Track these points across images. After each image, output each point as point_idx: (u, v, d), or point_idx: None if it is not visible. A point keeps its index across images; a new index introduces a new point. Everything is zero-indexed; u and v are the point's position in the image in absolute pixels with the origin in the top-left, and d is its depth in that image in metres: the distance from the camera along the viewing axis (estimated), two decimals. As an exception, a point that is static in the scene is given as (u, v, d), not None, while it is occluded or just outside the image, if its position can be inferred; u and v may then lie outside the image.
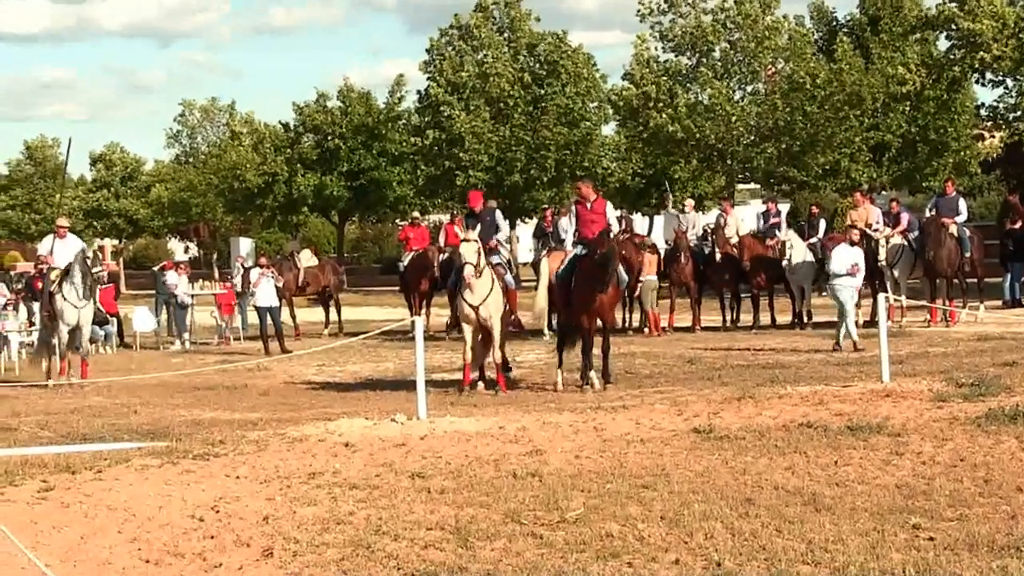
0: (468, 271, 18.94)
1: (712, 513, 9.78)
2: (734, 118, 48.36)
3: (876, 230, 28.66)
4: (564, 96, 55.18)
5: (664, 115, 48.42)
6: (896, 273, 28.42)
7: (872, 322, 25.20)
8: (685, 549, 8.86)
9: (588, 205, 19.60)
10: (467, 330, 19.50)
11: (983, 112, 49.06)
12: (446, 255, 32.01)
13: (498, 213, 22.06)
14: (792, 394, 16.51)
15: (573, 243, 19.50)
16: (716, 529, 9.32)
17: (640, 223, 47.87)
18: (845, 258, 23.28)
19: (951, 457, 11.78)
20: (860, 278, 23.62)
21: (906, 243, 28.54)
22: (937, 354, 21.26)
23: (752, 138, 50.25)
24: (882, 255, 28.20)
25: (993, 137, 50.48)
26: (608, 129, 58.85)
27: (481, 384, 19.76)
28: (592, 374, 19.02)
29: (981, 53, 42.58)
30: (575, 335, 19.53)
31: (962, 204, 30.25)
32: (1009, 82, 45.06)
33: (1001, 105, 47.05)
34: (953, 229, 28.76)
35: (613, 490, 10.80)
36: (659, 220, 50.89)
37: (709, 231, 31.18)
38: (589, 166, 55.08)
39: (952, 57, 46.02)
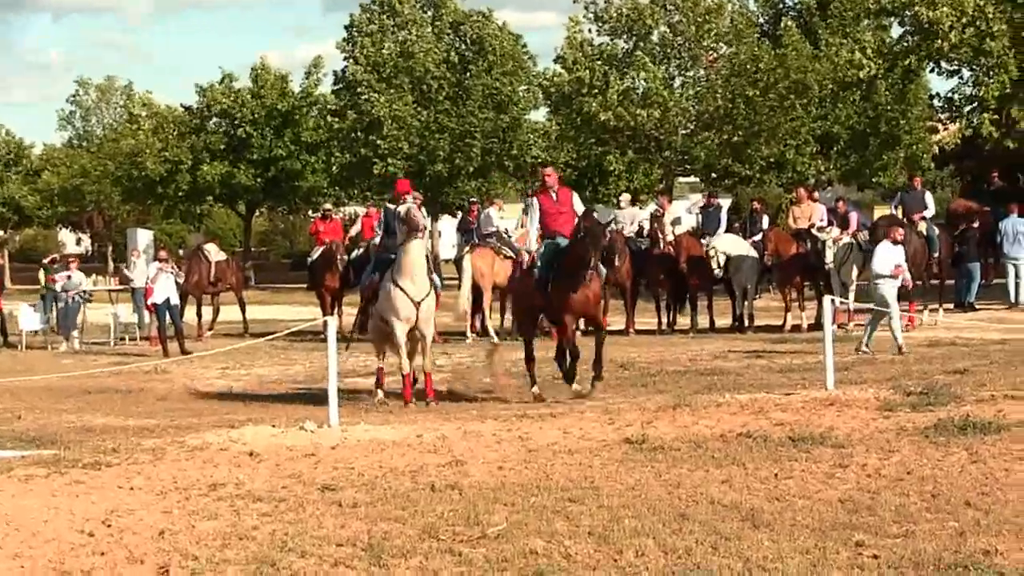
0: (415, 211, 17.99)
1: (643, 529, 9.83)
2: (671, 105, 48.55)
3: (820, 229, 28.94)
4: (491, 78, 55.19)
5: (597, 102, 48.54)
6: (843, 275, 28.66)
7: (817, 326, 25.42)
8: (614, 567, 8.90)
9: (553, 195, 18.86)
10: (400, 329, 18.35)
11: (937, 103, 49.53)
12: (361, 250, 31.99)
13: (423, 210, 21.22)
14: (731, 402, 16.62)
15: (539, 239, 18.72)
16: (648, 546, 9.37)
17: (571, 218, 47.95)
18: (888, 258, 23.13)
19: (897, 470, 11.91)
20: (900, 280, 23.34)
21: (855, 243, 28.80)
22: (885, 361, 21.49)
23: (691, 127, 50.48)
24: (829, 256, 28.45)
25: (947, 129, 50.97)
26: (538, 115, 58.99)
27: (381, 393, 18.96)
28: (576, 386, 18.55)
29: (938, 41, 42.99)
30: (570, 349, 18.77)
31: (929, 199, 30.68)
32: (965, 72, 45.53)
33: (956, 96, 47.52)
34: (922, 227, 29.09)
35: (538, 504, 10.84)
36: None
37: (647, 227, 31.30)
38: (518, 154, 55.16)
39: (906, 45, 46.43)
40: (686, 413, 15.74)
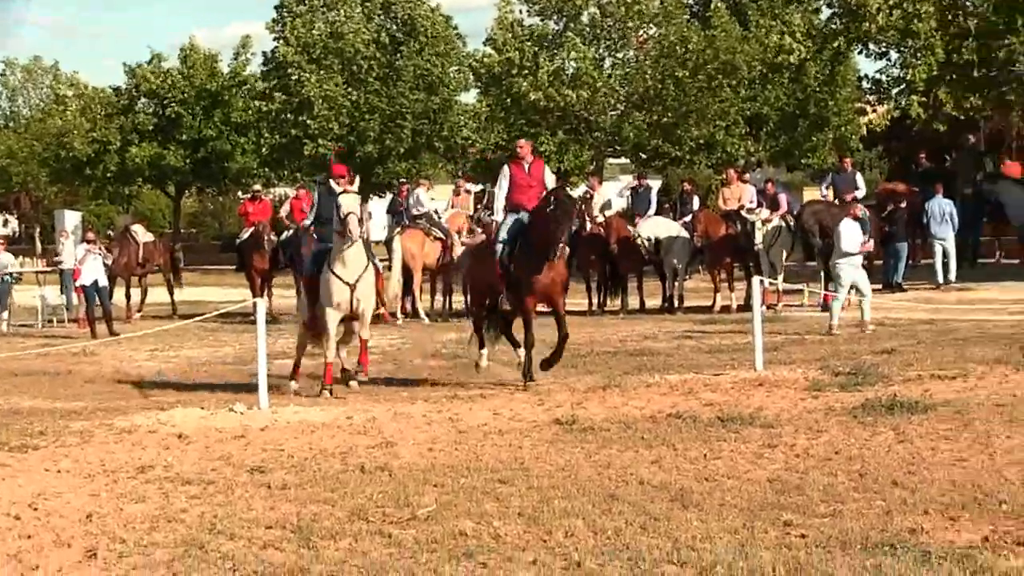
0: (353, 222, 16.92)
1: (573, 510, 9.84)
2: (601, 86, 48.63)
3: (750, 210, 29.08)
4: (422, 59, 55.05)
5: (528, 82, 48.54)
6: (772, 256, 28.81)
7: (746, 307, 25.55)
8: (544, 548, 8.90)
9: (525, 167, 17.99)
10: (332, 316, 17.42)
11: (866, 85, 49.82)
12: (290, 231, 31.88)
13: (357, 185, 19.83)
14: (661, 383, 16.73)
15: (505, 210, 17.97)
16: (577, 527, 9.38)
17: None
18: (854, 235, 23.13)
19: (825, 450, 11.99)
20: (862, 258, 23.39)
21: (784, 225, 28.96)
22: (814, 341, 21.61)
23: (621, 108, 50.60)
24: (758, 237, 28.58)
25: (875, 111, 51.31)
26: (469, 97, 58.90)
27: (294, 383, 18.01)
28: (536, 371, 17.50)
29: (866, 24, 43.23)
30: (498, 321, 18.42)
31: (860, 180, 30.91)
32: (893, 54, 45.80)
33: (885, 78, 47.81)
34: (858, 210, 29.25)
35: (468, 485, 10.84)
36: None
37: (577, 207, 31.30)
38: (448, 136, 55.08)
39: (835, 27, 46.65)
40: (616, 394, 15.83)
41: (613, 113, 50.81)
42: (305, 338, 18.52)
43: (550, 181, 18.12)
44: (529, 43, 50.37)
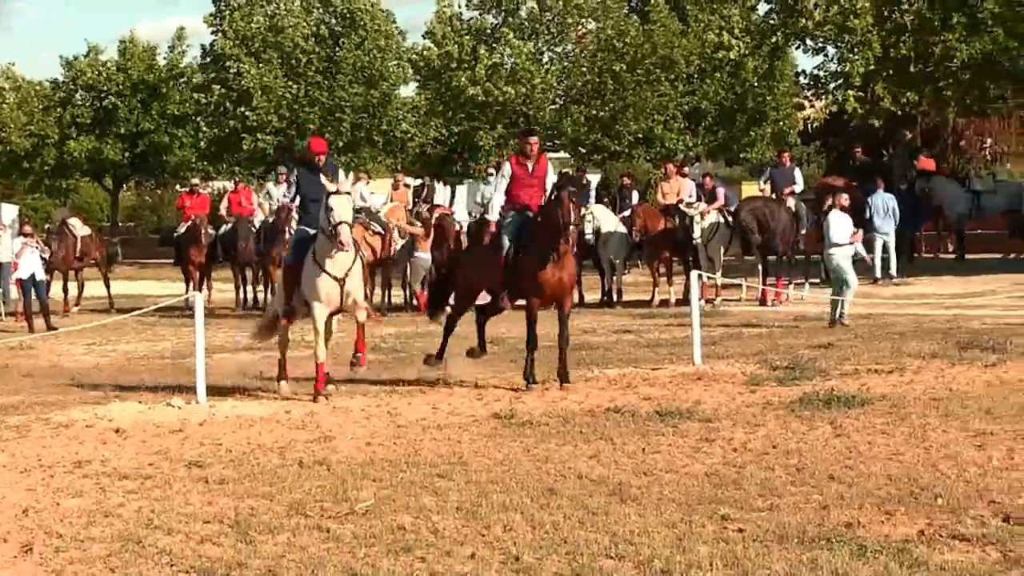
0: (345, 233, 15.54)
1: (511, 504, 9.85)
2: (539, 81, 48.67)
3: (689, 204, 29.18)
4: (362, 53, 54.88)
5: (466, 77, 48.54)
6: (710, 250, 28.92)
7: (684, 301, 25.63)
8: (482, 542, 8.90)
9: (529, 165, 16.76)
10: (320, 312, 16.03)
11: (803, 80, 50.09)
12: (229, 225, 31.77)
13: (341, 171, 17.04)
14: (599, 377, 16.78)
15: (502, 208, 16.88)
16: (515, 521, 9.39)
17: (442, 193, 47.93)
18: (843, 226, 23.13)
19: (763, 444, 12.06)
20: (855, 248, 23.22)
21: (722, 219, 29.08)
22: (752, 335, 21.71)
23: (560, 103, 50.66)
24: (697, 232, 28.70)
25: (813, 106, 51.61)
26: (408, 90, 58.79)
27: (284, 385, 16.61)
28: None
29: (803, 20, 43.45)
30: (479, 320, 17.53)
31: (798, 174, 31.01)
32: (831, 49, 46.06)
33: (822, 73, 48.06)
34: (791, 203, 29.42)
35: (406, 480, 10.84)
36: (462, 190, 51.03)
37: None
38: (387, 129, 54.93)
39: (773, 23, 46.88)
40: (554, 388, 15.84)
41: (552, 108, 50.86)
42: (287, 333, 17.35)
43: (552, 178, 17.02)
44: (468, 37, 50.35)
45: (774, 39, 46.34)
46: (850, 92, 43.90)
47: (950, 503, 9.53)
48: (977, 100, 43.10)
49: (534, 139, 17.13)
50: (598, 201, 32.86)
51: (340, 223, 15.52)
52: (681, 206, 29.42)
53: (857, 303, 23.69)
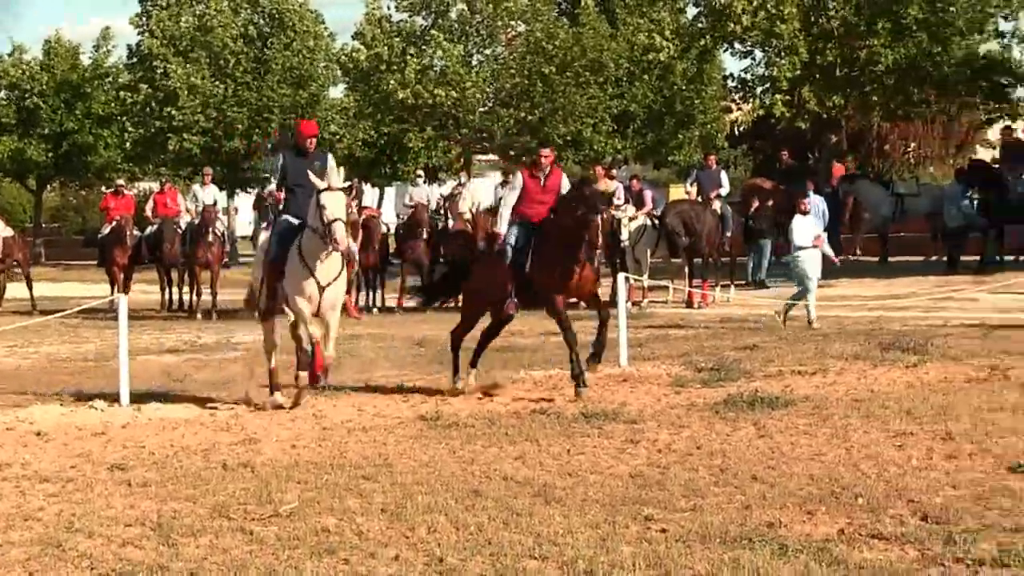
0: (339, 231, 14.62)
1: (436, 506, 9.86)
2: (469, 83, 48.71)
3: (616, 207, 29.25)
4: (291, 53, 54.68)
5: (396, 79, 48.49)
6: (637, 253, 29.04)
7: (611, 303, 25.68)
8: (406, 544, 8.90)
9: (542, 179, 16.00)
10: (304, 306, 15.02)
11: (731, 83, 50.33)
12: (155, 226, 31.60)
13: (331, 160, 15.99)
14: (525, 379, 16.82)
15: (508, 223, 16.02)
16: (440, 522, 9.39)
17: (370, 195, 47.83)
18: (807, 229, 23.15)
19: (687, 445, 12.12)
20: (820, 251, 23.23)
21: (649, 222, 29.22)
22: (678, 337, 21.81)
23: (489, 105, 50.70)
24: (624, 234, 28.81)
25: (740, 109, 51.88)
26: (337, 92, 58.63)
27: (279, 396, 15.53)
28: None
29: (731, 24, 43.68)
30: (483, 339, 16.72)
31: (724, 177, 31.21)
32: (758, 53, 46.30)
33: (750, 76, 48.33)
34: (716, 205, 29.58)
35: (331, 482, 10.82)
36: (390, 192, 51.00)
37: (442, 204, 31.37)
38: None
39: (701, 26, 47.09)
40: (477, 391, 15.87)
41: (481, 110, 50.88)
42: (272, 335, 16.20)
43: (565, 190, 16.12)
44: (398, 39, 50.30)
45: (702, 42, 46.52)
46: (777, 96, 44.12)
47: (870, 502, 9.62)
48: (901, 104, 43.48)
49: (547, 151, 16.50)
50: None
51: (335, 220, 14.53)
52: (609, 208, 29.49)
53: (779, 305, 23.86)
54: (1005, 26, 41.74)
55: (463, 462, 11.61)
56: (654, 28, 49.07)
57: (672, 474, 10.85)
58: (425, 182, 37.88)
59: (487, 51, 51.72)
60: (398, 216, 34.41)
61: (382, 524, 9.41)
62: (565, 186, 16.13)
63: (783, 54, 42.83)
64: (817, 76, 42.48)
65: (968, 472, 10.62)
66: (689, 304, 27.93)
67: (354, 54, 51.61)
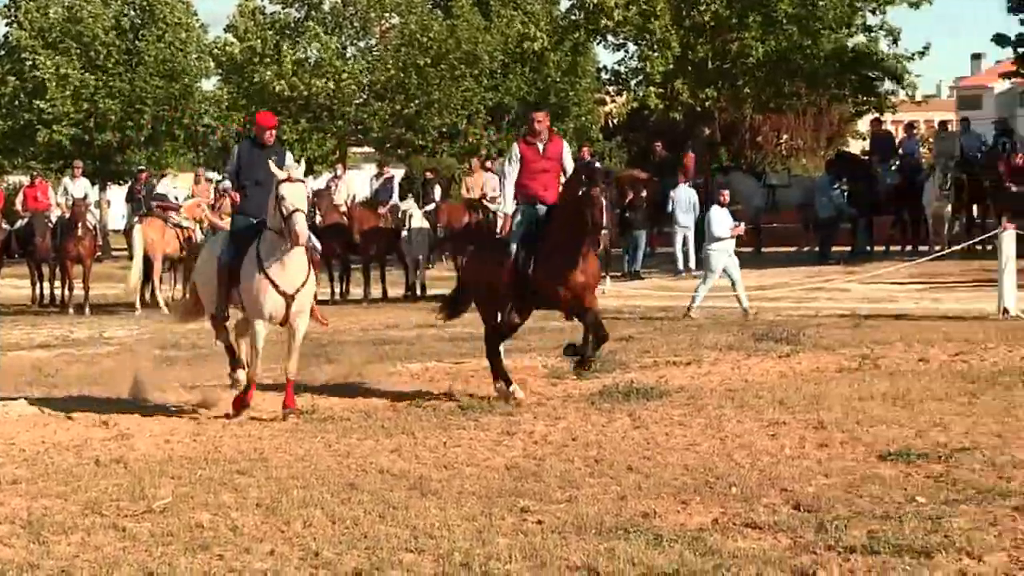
0: (300, 223, 13.34)
1: (312, 500, 9.81)
2: (344, 75, 48.54)
3: (492, 199, 29.29)
4: (163, 45, 54.09)
5: (270, 71, 48.20)
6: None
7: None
8: (281, 539, 8.84)
9: (540, 146, 14.62)
10: (261, 330, 13.89)
11: (605, 76, 50.56)
12: (25, 220, 31.14)
13: (290, 156, 14.96)
14: (402, 372, 16.77)
15: (514, 200, 14.75)
16: (316, 516, 9.34)
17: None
18: (724, 220, 23.13)
19: (563, 436, 12.16)
20: (733, 243, 23.22)
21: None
22: (554, 329, 21.78)
23: (364, 97, 50.55)
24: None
25: (614, 102, 52.15)
26: (209, 84, 58.12)
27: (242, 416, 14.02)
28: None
29: (604, 19, 43.87)
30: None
31: (599, 169, 31.20)
32: (631, 46, 46.54)
33: (624, 69, 48.57)
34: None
35: (205, 477, 10.73)
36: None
37: (312, 198, 31.25)
38: (189, 124, 54.24)
39: (575, 19, 47.26)
40: (357, 383, 15.80)
41: (356, 102, 50.71)
42: (224, 329, 14.96)
43: (569, 163, 14.82)
44: (272, 31, 49.97)
45: (576, 35, 46.68)
46: (651, 88, 44.39)
47: (744, 492, 9.71)
48: (772, 97, 43.89)
49: (541, 113, 15.08)
50: (401, 195, 32.82)
51: (295, 211, 13.29)
52: (484, 201, 29.53)
53: (657, 296, 24.04)
54: (873, 20, 42.32)
55: (339, 456, 11.57)
56: (528, 20, 49.16)
57: (548, 466, 10.88)
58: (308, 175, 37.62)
59: (361, 43, 51.57)
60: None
61: (257, 519, 9.35)
62: (568, 156, 14.86)
63: (656, 48, 43.08)
64: (690, 69, 42.78)
65: (839, 460, 10.76)
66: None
67: (227, 47, 51.19)
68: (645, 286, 29.60)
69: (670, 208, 33.04)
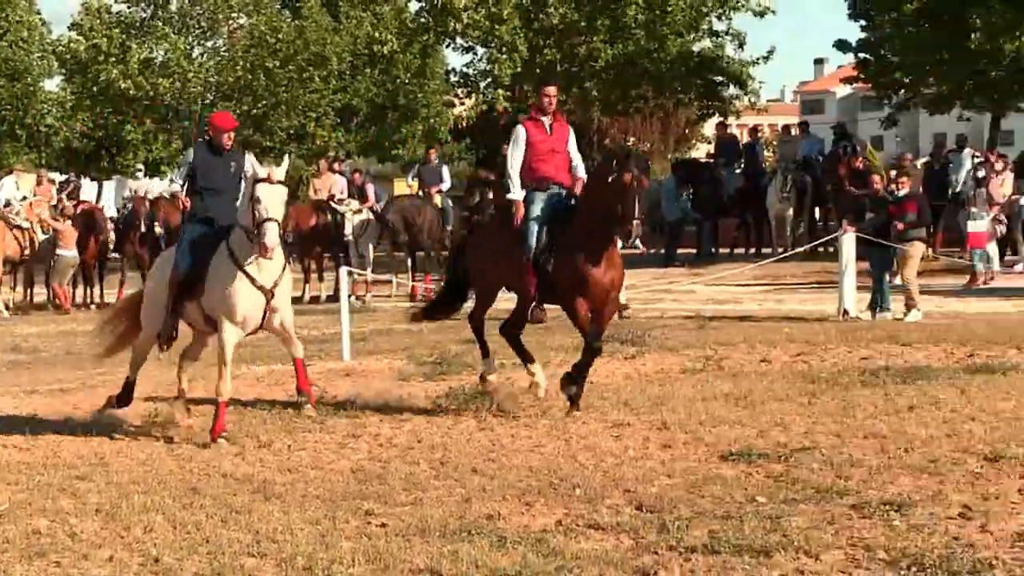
0: (271, 234, 12.21)
1: (153, 505, 9.68)
2: (191, 75, 48.09)
3: (340, 201, 29.20)
4: (5, 44, 53.18)
5: (116, 70, 47.59)
6: (361, 247, 28.99)
7: (335, 297, 25.60)
8: (121, 544, 8.71)
9: (547, 125, 13.62)
10: (232, 335, 12.60)
11: (454, 78, 50.62)
12: None
13: (250, 158, 13.07)
14: (247, 374, 16.63)
15: (522, 185, 13.56)
16: (157, 522, 9.22)
17: (88, 189, 46.75)
18: None
19: (409, 439, 12.14)
20: None
21: (372, 216, 29.20)
22: (401, 331, 21.77)
23: (212, 98, 50.10)
24: (348, 228, 28.75)
25: (463, 104, 52.19)
26: (52, 84, 57.22)
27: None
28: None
29: (453, 22, 43.93)
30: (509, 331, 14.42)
31: (445, 172, 31.27)
32: (480, 49, 46.65)
33: (472, 72, 48.67)
34: (438, 200, 29.64)
35: (44, 482, 10.55)
36: (109, 185, 49.94)
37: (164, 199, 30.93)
38: (31, 123, 53.36)
39: (424, 21, 47.26)
40: (200, 387, 15.60)
41: (204, 103, 50.23)
42: (146, 351, 13.84)
43: (575, 153, 13.84)
44: (118, 30, 49.33)
45: (425, 38, 46.69)
46: (499, 91, 44.56)
47: (587, 493, 9.75)
48: (620, 100, 44.29)
49: (552, 88, 14.03)
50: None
51: (267, 220, 12.15)
52: (332, 202, 29.42)
53: (504, 297, 23.98)
54: (719, 26, 42.86)
55: (181, 459, 11.45)
56: (378, 23, 49.04)
57: (393, 468, 10.86)
58: (146, 175, 37.28)
59: (209, 44, 51.09)
60: (118, 210, 33.78)
61: (96, 525, 9.21)
62: (574, 145, 13.83)
63: (504, 51, 43.26)
64: (538, 72, 42.97)
65: (682, 461, 10.84)
66: (413, 298, 27.95)
67: (72, 45, 50.42)
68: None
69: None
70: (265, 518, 9.26)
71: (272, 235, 12.13)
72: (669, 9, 41.17)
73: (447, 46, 48.48)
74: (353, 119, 50.90)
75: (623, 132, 57.14)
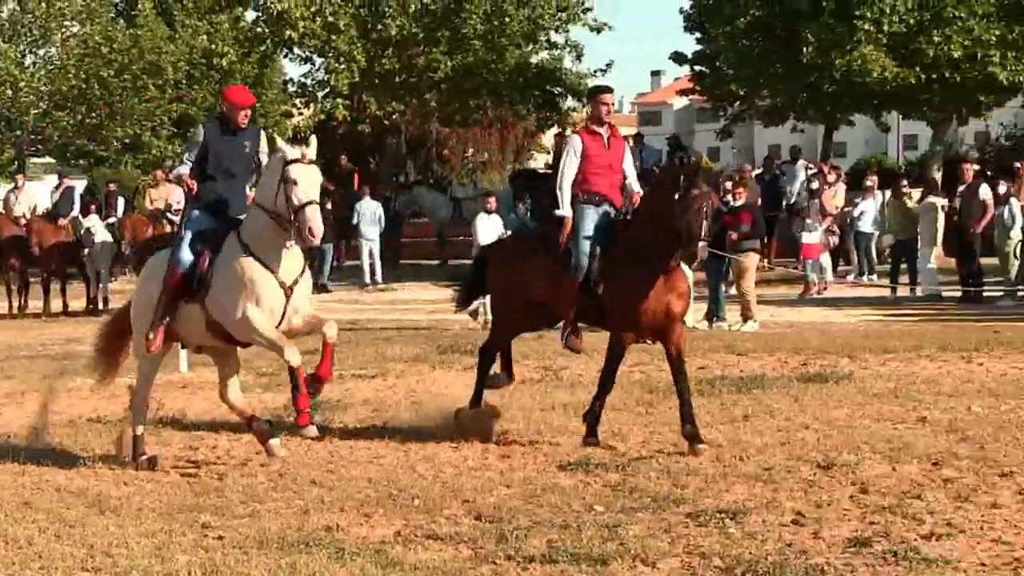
0: (314, 217, 10.98)
1: (-16, 519, 9.52)
2: (23, 84, 47.36)
3: (178, 211, 28.93)
4: None
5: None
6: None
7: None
8: (-50, 561, 8.56)
9: (604, 138, 12.48)
10: (262, 319, 11.19)
11: (292, 88, 50.43)
12: None
13: (263, 137, 12.31)
14: (82, 387, 16.38)
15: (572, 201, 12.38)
16: (-13, 537, 9.07)
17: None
18: (492, 228, 22.83)
19: (247, 451, 12.10)
20: None
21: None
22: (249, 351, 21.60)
23: (44, 107, 49.39)
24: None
25: (302, 114, 51.99)
26: None
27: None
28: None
29: (289, 31, 43.79)
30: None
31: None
32: (317, 59, 46.54)
33: (310, 81, 48.53)
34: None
35: None
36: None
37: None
38: None
39: (260, 31, 47.04)
40: (34, 399, 15.40)
41: (36, 112, 49.48)
42: (150, 378, 12.71)
43: (631, 170, 12.80)
44: (-55, 37, 48.46)
45: (263, 48, 46.46)
46: (339, 100, 44.49)
47: (426, 504, 9.77)
48: (458, 111, 44.42)
49: (609, 95, 12.64)
50: (83, 207, 32.14)
51: (308, 203, 10.93)
52: (168, 213, 29.16)
53: (342, 309, 24.01)
54: (557, 38, 43.18)
55: (13, 473, 11.26)
56: (214, 33, 48.67)
57: (230, 480, 10.79)
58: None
59: (41, 52, 50.35)
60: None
61: (-76, 541, 9.02)
62: (630, 162, 12.81)
63: (342, 60, 43.22)
64: (377, 82, 42.99)
65: (521, 471, 10.91)
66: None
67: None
68: (332, 299, 29.53)
69: (356, 220, 33.11)
70: (100, 532, 9.15)
71: (317, 219, 10.95)
72: (507, 21, 41.39)
73: (284, 56, 48.26)
74: (189, 129, 50.42)
75: (462, 142, 57.32)
